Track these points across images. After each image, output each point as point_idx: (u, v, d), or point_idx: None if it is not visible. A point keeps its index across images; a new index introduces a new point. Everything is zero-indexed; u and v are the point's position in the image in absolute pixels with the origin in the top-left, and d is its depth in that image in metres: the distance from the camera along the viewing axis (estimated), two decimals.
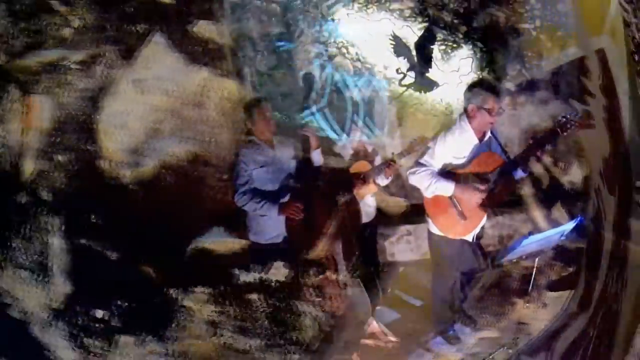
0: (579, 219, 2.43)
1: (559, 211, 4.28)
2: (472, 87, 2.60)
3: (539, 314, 3.06)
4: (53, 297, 2.95)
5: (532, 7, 4.56)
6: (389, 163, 3.07)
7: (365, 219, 3.33)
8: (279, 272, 2.78)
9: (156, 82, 4.07)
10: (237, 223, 2.93)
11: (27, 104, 3.56)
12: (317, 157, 2.80)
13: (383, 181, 3.21)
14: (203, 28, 4.23)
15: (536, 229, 3.90)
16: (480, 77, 4.39)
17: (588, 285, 3.03)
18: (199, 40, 4.23)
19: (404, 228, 4.18)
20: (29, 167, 3.48)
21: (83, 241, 3.07)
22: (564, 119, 2.43)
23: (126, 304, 2.81)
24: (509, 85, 4.63)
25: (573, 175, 4.51)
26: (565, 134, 2.47)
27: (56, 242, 3.04)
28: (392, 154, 3.08)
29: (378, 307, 2.97)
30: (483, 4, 4.48)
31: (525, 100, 4.61)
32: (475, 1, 4.49)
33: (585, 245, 3.37)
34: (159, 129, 4.14)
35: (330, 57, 4.47)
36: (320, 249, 2.71)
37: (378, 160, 3.29)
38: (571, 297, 3.05)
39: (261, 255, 2.91)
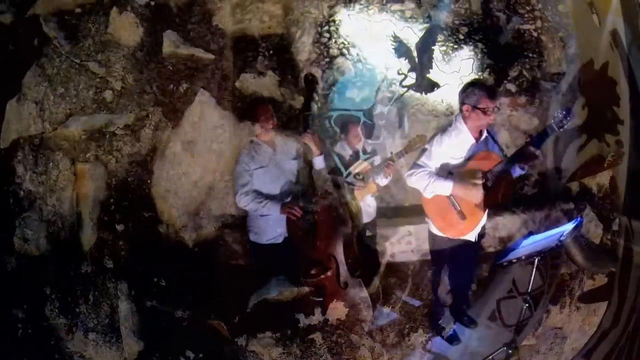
0: (578, 219, 2.42)
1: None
2: (466, 87, 2.62)
3: (572, 317, 3.09)
4: (127, 355, 3.07)
5: (533, 8, 4.57)
6: (388, 163, 3.08)
7: (366, 218, 3.34)
8: (338, 310, 2.88)
9: (206, 143, 4.06)
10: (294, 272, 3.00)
11: (76, 173, 3.54)
12: (319, 163, 2.81)
13: (383, 181, 3.22)
14: (247, 82, 4.24)
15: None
16: (474, 77, 4.40)
17: (620, 301, 3.04)
18: (243, 95, 4.19)
19: (404, 229, 4.18)
20: (90, 238, 3.49)
21: (150, 303, 3.16)
22: (560, 116, 2.45)
23: (197, 355, 2.96)
24: (509, 86, 4.64)
25: (600, 178, 4.53)
26: (561, 130, 2.49)
27: (124, 306, 3.14)
28: (391, 153, 3.09)
29: (378, 307, 2.97)
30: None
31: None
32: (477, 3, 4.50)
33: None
34: (214, 189, 4.12)
35: (331, 58, 4.49)
36: (321, 249, 2.72)
37: (377, 161, 3.31)
38: (606, 313, 3.05)
39: (261, 255, 2.92)
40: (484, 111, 2.53)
